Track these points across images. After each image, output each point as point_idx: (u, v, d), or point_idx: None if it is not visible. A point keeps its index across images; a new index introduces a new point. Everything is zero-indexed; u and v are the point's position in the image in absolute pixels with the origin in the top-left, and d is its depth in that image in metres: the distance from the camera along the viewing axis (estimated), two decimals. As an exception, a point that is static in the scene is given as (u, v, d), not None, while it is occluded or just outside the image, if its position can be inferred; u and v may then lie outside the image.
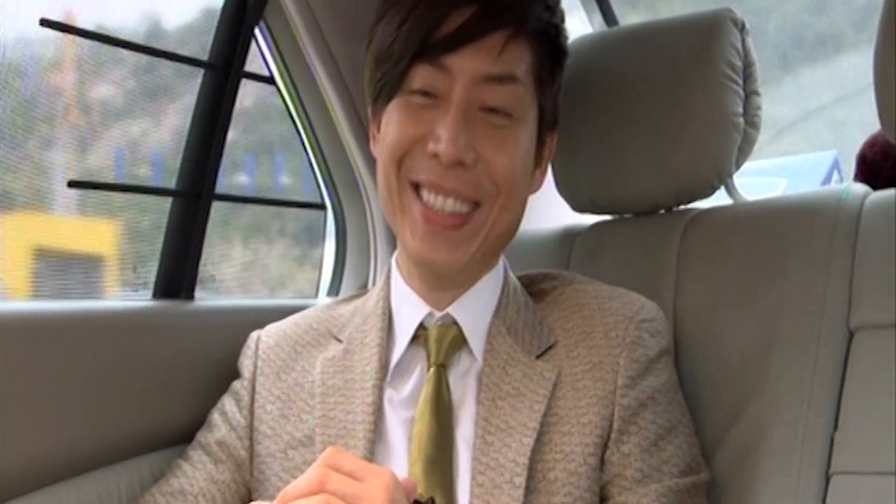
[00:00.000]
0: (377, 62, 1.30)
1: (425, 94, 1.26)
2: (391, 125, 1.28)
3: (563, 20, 1.35)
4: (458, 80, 1.24)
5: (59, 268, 1.57)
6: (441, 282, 1.32)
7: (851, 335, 1.29)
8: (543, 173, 1.39)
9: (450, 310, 1.31)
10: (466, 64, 1.24)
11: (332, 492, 0.97)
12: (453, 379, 1.28)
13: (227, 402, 1.40)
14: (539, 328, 1.31)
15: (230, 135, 1.64)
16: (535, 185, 1.37)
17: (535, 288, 1.40)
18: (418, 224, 1.26)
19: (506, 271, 1.38)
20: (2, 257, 1.46)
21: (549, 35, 1.32)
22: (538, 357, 1.28)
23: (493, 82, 1.25)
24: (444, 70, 1.25)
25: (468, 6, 1.24)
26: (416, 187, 1.26)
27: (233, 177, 1.87)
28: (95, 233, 1.62)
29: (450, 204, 1.25)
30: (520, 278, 1.40)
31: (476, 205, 1.26)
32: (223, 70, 1.63)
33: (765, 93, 1.56)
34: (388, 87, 1.28)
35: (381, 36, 1.29)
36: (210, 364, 1.50)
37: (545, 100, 1.33)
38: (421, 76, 1.25)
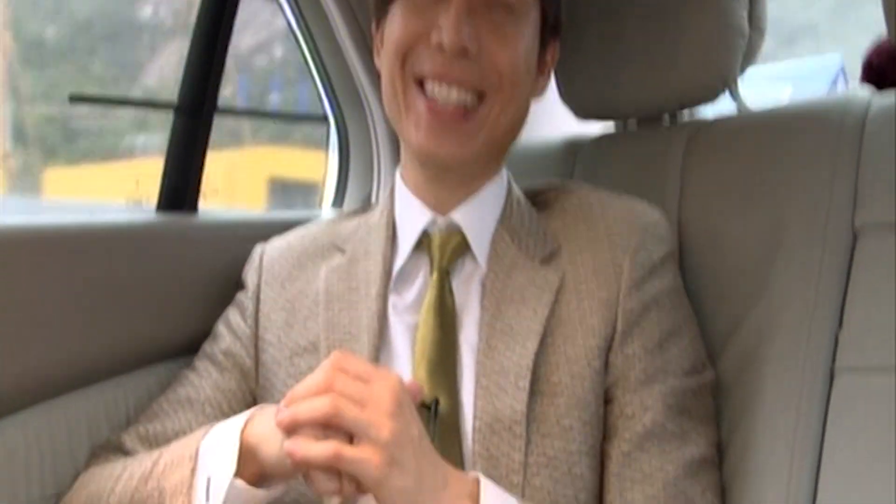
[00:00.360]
0: None
1: None
2: (394, 23, 1.28)
3: None
4: None
5: (286, 192, 1.60)
6: (446, 181, 1.32)
7: (855, 236, 1.29)
8: (547, 79, 1.39)
9: (453, 215, 1.31)
10: None
11: (340, 392, 0.98)
12: (457, 284, 1.29)
13: (231, 313, 1.41)
14: (543, 235, 1.32)
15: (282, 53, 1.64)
16: (537, 90, 1.37)
17: (539, 198, 1.40)
18: (423, 118, 1.25)
19: (509, 182, 1.38)
20: (242, 185, 1.49)
21: None
22: (542, 263, 1.28)
23: None
24: None
25: None
26: (420, 84, 1.26)
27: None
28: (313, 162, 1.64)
29: (454, 94, 1.25)
30: (524, 190, 1.40)
31: (480, 98, 1.26)
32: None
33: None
34: None
35: None
36: (215, 276, 1.51)
37: (548, 1, 1.32)
38: None
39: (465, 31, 1.22)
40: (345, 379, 0.99)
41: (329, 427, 0.99)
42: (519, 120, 1.32)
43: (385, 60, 1.29)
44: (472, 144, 1.27)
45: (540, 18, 1.31)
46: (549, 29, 1.34)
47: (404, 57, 1.26)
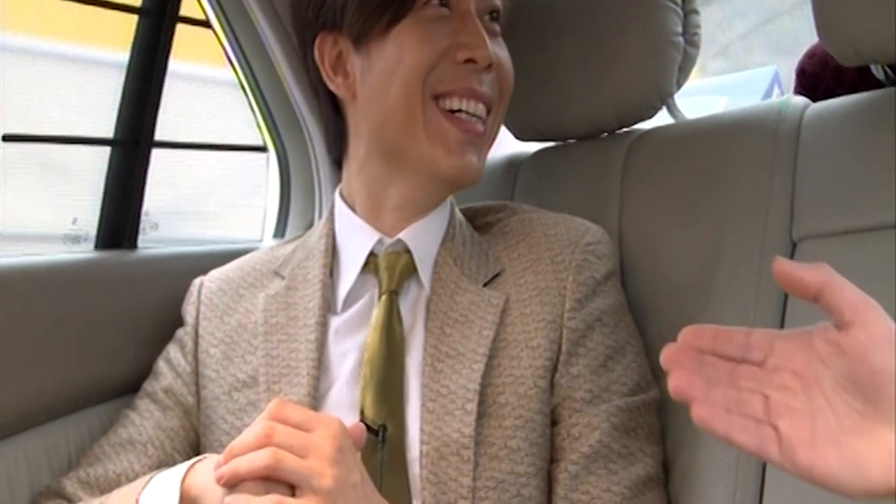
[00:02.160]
0: None
1: (442, 4, 1.28)
2: (406, 45, 1.26)
3: None
4: None
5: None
6: (410, 207, 1.33)
7: (794, 246, 1.30)
8: None
9: (402, 235, 1.31)
10: None
11: (279, 444, 0.96)
12: (403, 307, 1.28)
13: (171, 350, 1.39)
14: (485, 258, 1.32)
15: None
16: None
17: (480, 221, 1.40)
18: (452, 137, 1.27)
19: (452, 204, 1.37)
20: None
21: None
22: (485, 285, 1.28)
23: None
24: None
25: None
26: (436, 101, 1.28)
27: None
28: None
29: (481, 109, 1.29)
30: (464, 211, 1.40)
31: (489, 111, 1.31)
32: (158, 15, 1.60)
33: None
34: (394, 9, 1.26)
35: None
36: (155, 313, 1.49)
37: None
38: None
39: (490, 46, 1.27)
40: (284, 430, 0.97)
41: (270, 479, 0.97)
42: None
43: (397, 82, 1.26)
44: (484, 159, 1.32)
45: None
46: None
47: (425, 76, 1.26)
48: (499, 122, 1.35)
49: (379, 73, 1.28)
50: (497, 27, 1.34)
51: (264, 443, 0.96)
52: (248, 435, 0.98)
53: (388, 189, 1.32)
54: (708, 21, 1.58)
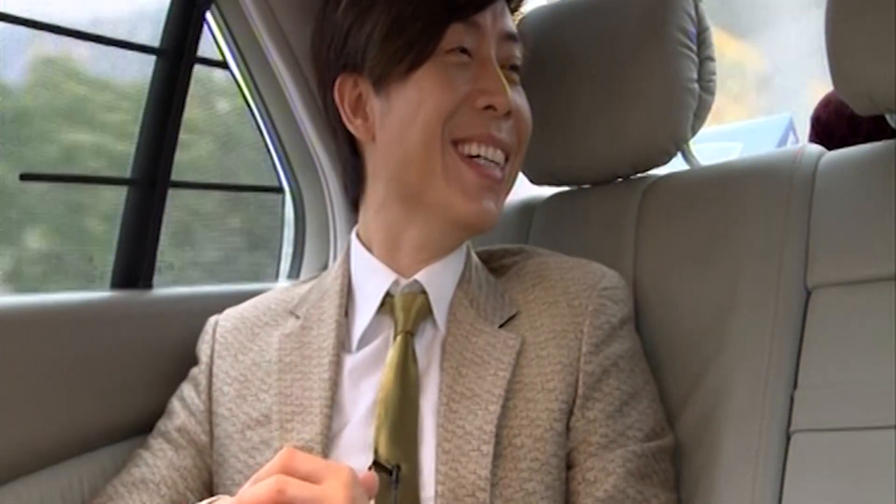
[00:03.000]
0: (395, 30, 1.28)
1: (463, 51, 1.30)
2: (427, 90, 1.28)
3: None
4: (489, 36, 1.32)
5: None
6: (427, 249, 1.34)
7: (809, 294, 1.30)
8: None
9: (418, 276, 1.32)
10: (496, 22, 1.33)
11: (291, 499, 0.94)
12: (419, 347, 1.28)
13: (185, 389, 1.39)
14: (501, 300, 1.32)
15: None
16: None
17: (495, 263, 1.41)
18: (471, 182, 1.28)
19: (468, 246, 1.38)
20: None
21: None
22: (501, 326, 1.29)
23: (513, 41, 1.36)
24: (476, 27, 1.31)
25: None
26: (455, 146, 1.29)
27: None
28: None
29: (499, 155, 1.31)
30: (479, 254, 1.40)
31: (507, 157, 1.32)
32: (175, 56, 1.61)
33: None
34: (416, 53, 1.28)
35: (388, 6, 1.29)
36: (170, 352, 1.49)
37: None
38: (456, 35, 1.29)
39: (509, 93, 1.29)
40: (295, 482, 0.95)
41: None
42: None
43: (417, 126, 1.27)
44: (501, 205, 1.33)
45: None
46: None
47: (446, 121, 1.27)
48: (517, 169, 1.37)
49: (399, 117, 1.29)
50: (516, 76, 1.36)
51: (276, 497, 0.95)
52: (259, 489, 0.95)
53: (406, 231, 1.33)
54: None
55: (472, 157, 1.28)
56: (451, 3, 1.28)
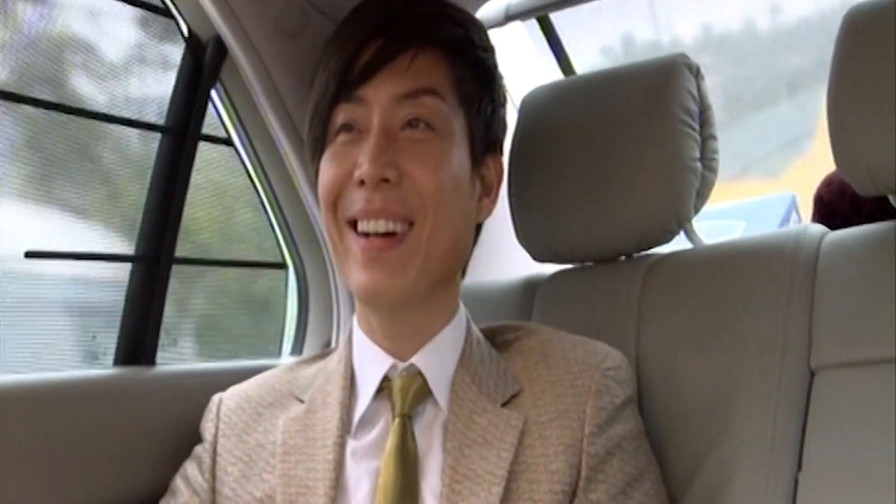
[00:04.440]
0: (310, 120, 1.32)
1: (348, 128, 1.29)
2: (322, 173, 1.30)
3: (481, 38, 1.38)
4: (374, 107, 1.27)
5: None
6: (398, 324, 1.32)
7: (812, 375, 1.30)
8: (493, 201, 1.39)
9: (414, 359, 1.31)
10: (379, 90, 1.27)
11: None
12: (419, 429, 1.27)
13: (189, 467, 1.38)
14: (504, 377, 1.31)
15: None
16: (483, 211, 1.38)
17: (498, 339, 1.40)
18: (358, 257, 1.26)
19: (468, 322, 1.37)
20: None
21: (463, 48, 1.34)
22: (504, 405, 1.28)
23: (409, 98, 1.28)
24: (361, 102, 1.28)
25: (379, 38, 1.28)
26: (354, 226, 1.27)
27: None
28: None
29: (381, 225, 1.25)
30: (482, 330, 1.40)
31: (410, 224, 1.26)
32: (180, 133, 1.63)
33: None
34: (319, 139, 1.31)
35: (314, 95, 1.32)
36: (174, 430, 1.48)
37: (473, 116, 1.33)
38: (342, 114, 1.29)
39: (381, 160, 1.24)
40: None
41: None
42: (456, 244, 1.32)
43: (321, 209, 1.31)
44: (405, 274, 1.26)
45: (467, 134, 1.33)
46: (482, 145, 1.35)
47: (335, 203, 1.28)
48: (433, 233, 1.27)
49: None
50: (420, 133, 1.28)
51: None
52: None
53: (373, 317, 1.33)
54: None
55: (365, 233, 1.27)
56: (338, 84, 1.28)
